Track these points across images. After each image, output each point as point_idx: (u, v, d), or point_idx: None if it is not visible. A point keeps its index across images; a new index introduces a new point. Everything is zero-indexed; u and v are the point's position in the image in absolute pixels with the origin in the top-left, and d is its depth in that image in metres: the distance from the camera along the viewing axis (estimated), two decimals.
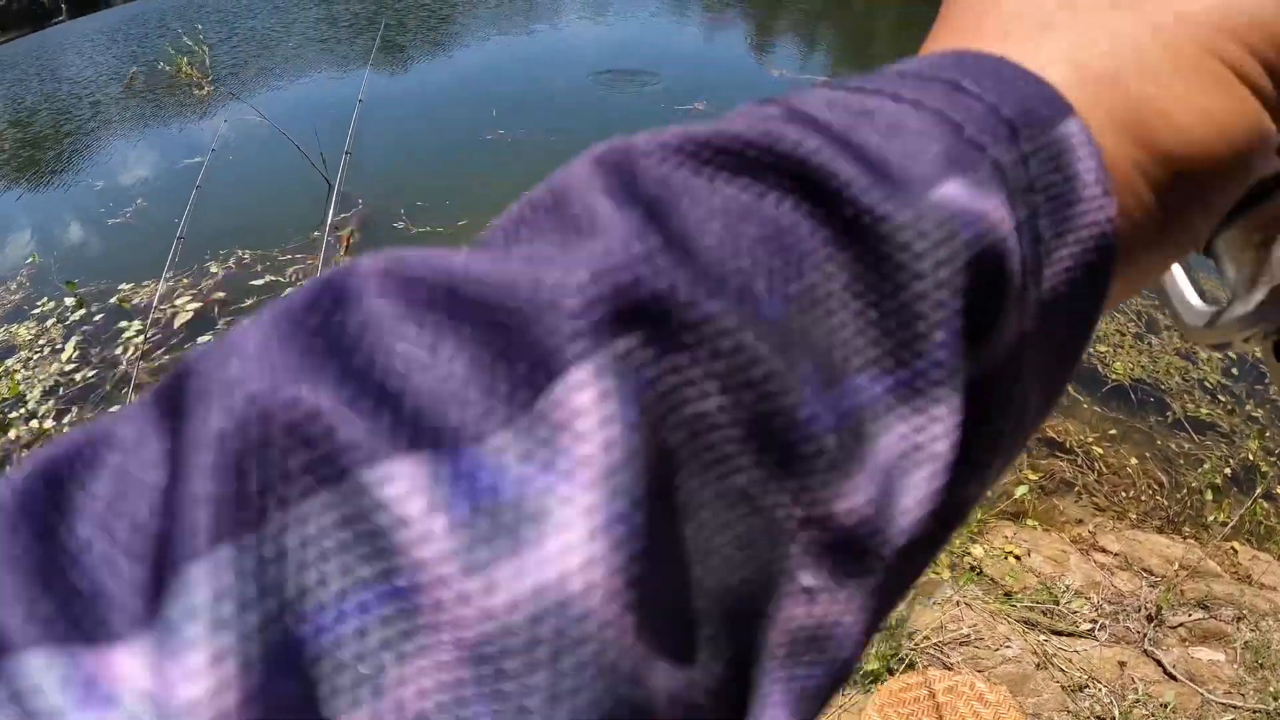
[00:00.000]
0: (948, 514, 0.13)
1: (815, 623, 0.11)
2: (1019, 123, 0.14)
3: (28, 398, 3.34)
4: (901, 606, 1.56)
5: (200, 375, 0.10)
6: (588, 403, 0.10)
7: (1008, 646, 1.48)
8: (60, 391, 3.33)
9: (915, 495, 0.12)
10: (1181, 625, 1.66)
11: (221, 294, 3.85)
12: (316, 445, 0.09)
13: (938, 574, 1.67)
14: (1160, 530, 1.99)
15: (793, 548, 0.11)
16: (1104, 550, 1.81)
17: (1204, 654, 1.60)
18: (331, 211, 3.61)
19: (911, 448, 0.12)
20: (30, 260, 4.66)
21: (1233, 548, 1.98)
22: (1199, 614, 1.70)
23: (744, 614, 0.11)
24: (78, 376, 3.43)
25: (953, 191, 0.13)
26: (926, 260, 0.12)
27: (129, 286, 4.08)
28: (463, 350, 0.10)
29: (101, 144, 7.33)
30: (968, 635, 1.48)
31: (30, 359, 3.65)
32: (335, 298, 0.11)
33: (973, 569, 1.66)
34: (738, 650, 0.11)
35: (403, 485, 0.09)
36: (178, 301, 3.74)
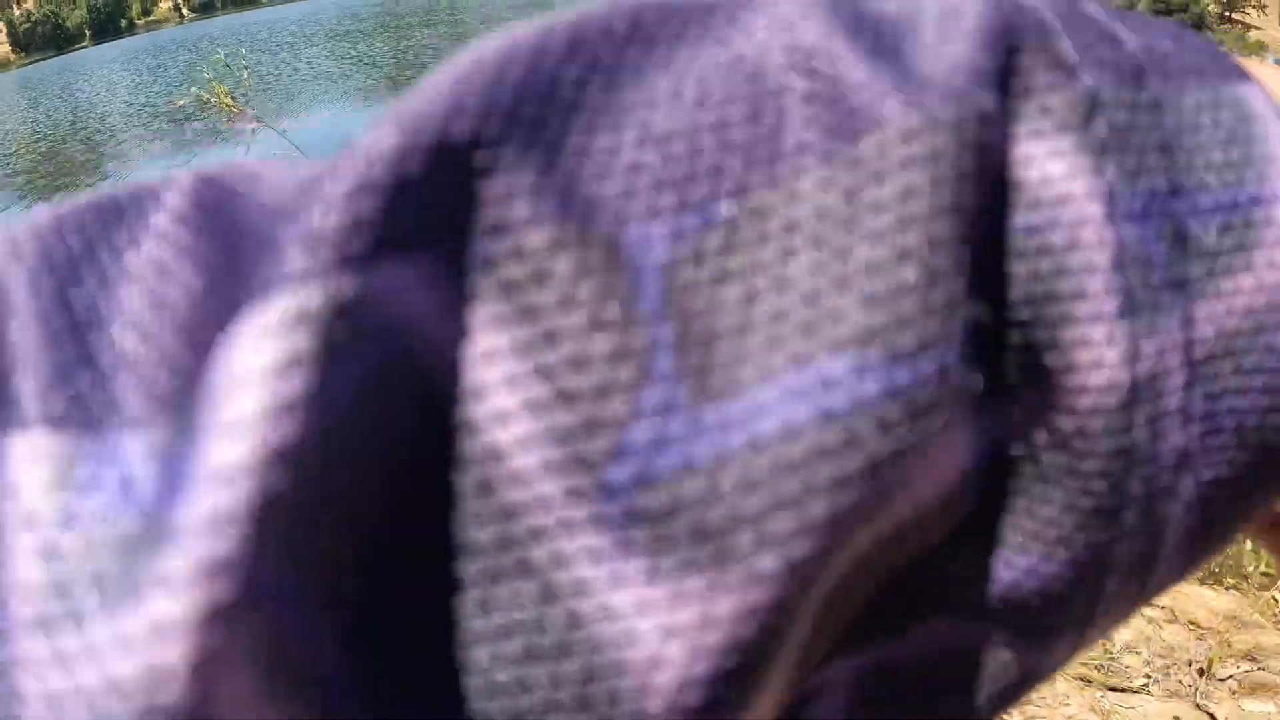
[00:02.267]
0: None
1: None
2: (1151, 60, 0.10)
3: None
4: None
5: None
6: (253, 371, 0.07)
7: (1067, 705, 1.51)
8: None
9: None
10: (1231, 678, 1.69)
11: None
12: None
13: None
14: (1202, 581, 2.02)
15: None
16: (1151, 604, 1.85)
17: (1255, 706, 1.63)
18: None
19: None
20: None
21: (1273, 597, 2.01)
22: (1247, 666, 1.73)
23: None
24: None
25: (984, 106, 0.09)
26: (914, 183, 0.09)
27: None
28: (190, 279, 0.08)
29: (127, 168, 7.40)
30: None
31: None
32: (131, 211, 0.09)
33: None
34: None
35: (24, 474, 0.07)
36: None
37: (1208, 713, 1.57)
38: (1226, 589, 1.96)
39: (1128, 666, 1.64)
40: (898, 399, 0.08)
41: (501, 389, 0.08)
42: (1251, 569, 2.05)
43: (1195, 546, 0.10)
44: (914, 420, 0.08)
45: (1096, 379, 0.09)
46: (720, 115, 0.09)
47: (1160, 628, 1.76)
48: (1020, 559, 0.10)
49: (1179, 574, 0.11)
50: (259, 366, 0.07)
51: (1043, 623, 0.10)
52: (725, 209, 0.08)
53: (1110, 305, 0.09)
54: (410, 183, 0.08)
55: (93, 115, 10.19)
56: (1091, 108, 0.10)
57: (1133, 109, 0.10)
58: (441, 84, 0.08)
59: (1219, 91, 0.10)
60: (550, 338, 0.08)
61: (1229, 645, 1.72)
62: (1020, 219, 0.09)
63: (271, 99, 8.16)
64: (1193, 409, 0.09)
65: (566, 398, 0.08)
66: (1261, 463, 0.10)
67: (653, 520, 0.08)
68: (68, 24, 40.45)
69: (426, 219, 0.08)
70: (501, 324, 0.08)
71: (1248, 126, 0.10)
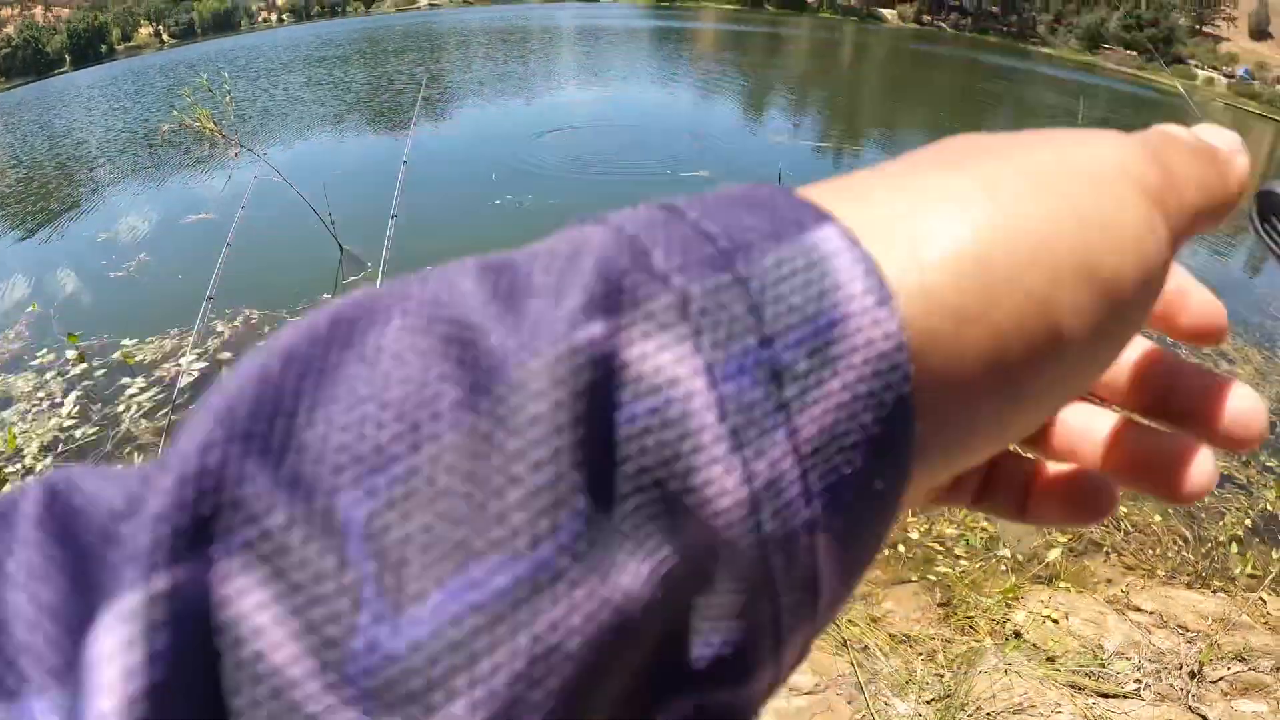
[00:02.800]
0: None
1: None
2: (734, 245, 0.13)
3: (25, 452, 3.29)
4: (948, 678, 1.58)
5: None
6: (110, 651, 0.10)
7: (1059, 712, 1.50)
8: (59, 448, 3.29)
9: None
10: (1222, 679, 1.69)
11: (228, 354, 3.86)
12: None
13: (979, 641, 1.69)
14: (1189, 585, 2.03)
15: None
16: (1139, 609, 1.85)
17: (1247, 706, 1.63)
18: (343, 274, 3.63)
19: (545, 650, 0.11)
20: (30, 309, 4.65)
21: (1261, 598, 2.01)
22: (1238, 667, 1.72)
23: None
24: (78, 433, 3.39)
25: (592, 334, 0.12)
26: (527, 419, 0.12)
27: (132, 342, 4.05)
28: (56, 580, 0.11)
29: (104, 194, 7.35)
30: (1019, 703, 1.50)
31: (29, 412, 3.60)
32: None
33: (1015, 634, 1.68)
34: None
35: None
36: (182, 361, 3.73)
37: (1200, 715, 1.56)
38: (1214, 592, 1.96)
39: (1118, 672, 1.63)
40: (524, 582, 0.11)
41: (274, 627, 0.11)
42: (1238, 571, 2.05)
43: (846, 572, 0.14)
44: (540, 592, 0.11)
45: (725, 502, 0.12)
46: (399, 392, 0.12)
47: (1150, 633, 1.76)
48: (715, 637, 0.13)
49: (844, 596, 0.14)
50: (112, 645, 0.10)
51: (746, 669, 0.13)
52: (402, 466, 0.11)
53: (721, 448, 0.12)
54: (189, 504, 0.11)
55: (69, 141, 10.11)
56: (685, 303, 0.13)
57: (718, 291, 0.13)
58: (200, 420, 0.12)
59: (795, 244, 0.13)
60: (296, 588, 0.11)
61: (1218, 647, 1.71)
62: (645, 404, 0.12)
63: (248, 124, 8.13)
64: (812, 488, 0.12)
65: (312, 626, 0.11)
66: (874, 497, 0.13)
67: (378, 694, 0.11)
68: (48, 49, 40.26)
69: (205, 525, 0.11)
70: (264, 583, 0.11)
71: (821, 265, 0.13)
